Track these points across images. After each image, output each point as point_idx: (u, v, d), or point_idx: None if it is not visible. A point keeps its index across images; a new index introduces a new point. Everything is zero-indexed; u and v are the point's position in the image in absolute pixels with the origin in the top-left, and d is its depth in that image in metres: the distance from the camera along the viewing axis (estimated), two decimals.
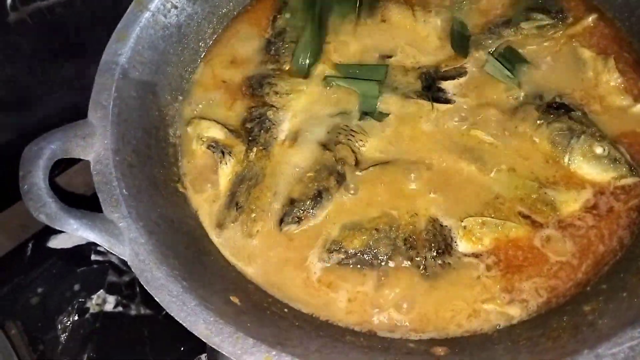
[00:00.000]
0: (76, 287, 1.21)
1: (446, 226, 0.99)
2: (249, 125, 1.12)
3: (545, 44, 1.15)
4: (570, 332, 0.83)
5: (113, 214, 0.91)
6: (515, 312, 0.94)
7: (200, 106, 1.17)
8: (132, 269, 0.86)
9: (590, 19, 1.17)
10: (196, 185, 1.08)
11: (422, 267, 0.96)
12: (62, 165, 1.26)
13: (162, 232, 0.94)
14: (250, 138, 1.11)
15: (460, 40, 1.16)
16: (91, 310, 1.19)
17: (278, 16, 1.26)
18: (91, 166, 0.96)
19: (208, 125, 1.12)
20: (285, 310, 0.95)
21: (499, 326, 0.92)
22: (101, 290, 1.20)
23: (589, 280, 0.93)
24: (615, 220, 0.98)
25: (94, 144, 0.97)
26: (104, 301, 1.20)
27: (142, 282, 0.85)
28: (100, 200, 0.93)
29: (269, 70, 1.20)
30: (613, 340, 0.76)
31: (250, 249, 1.01)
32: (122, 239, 0.88)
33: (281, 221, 1.01)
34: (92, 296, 1.20)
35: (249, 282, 0.98)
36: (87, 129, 0.99)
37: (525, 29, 1.15)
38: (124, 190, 0.94)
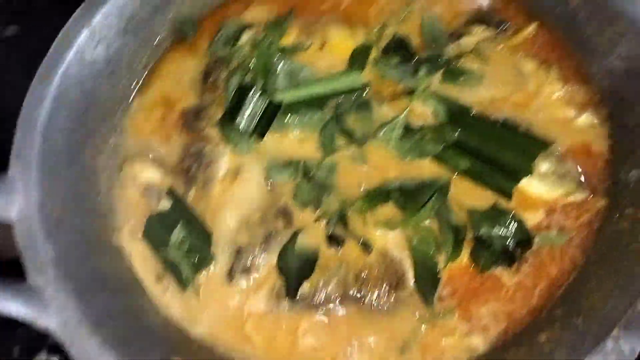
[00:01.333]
0: (15, 350, 1.12)
1: (397, 257, 0.95)
2: (186, 163, 1.07)
3: (488, 57, 1.11)
4: None
5: (38, 280, 0.84)
6: (477, 342, 0.91)
7: (134, 146, 1.11)
8: (61, 341, 0.80)
9: (531, 28, 1.14)
10: (133, 236, 1.01)
11: (374, 304, 0.92)
12: None
13: (95, 294, 0.88)
14: (188, 177, 1.05)
15: None
16: None
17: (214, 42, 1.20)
18: (14, 227, 0.89)
19: (142, 167, 1.06)
20: None
21: None
22: (43, 352, 1.12)
23: (544, 306, 0.91)
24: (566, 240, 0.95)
25: (15, 202, 0.90)
26: None
27: (71, 356, 0.79)
28: (25, 265, 0.86)
29: (207, 100, 1.14)
30: None
31: (193, 303, 0.96)
32: (47, 308, 0.82)
33: (230, 274, 0.96)
34: (34, 359, 1.12)
35: (192, 340, 0.93)
36: (8, 185, 0.91)
37: (466, 43, 1.12)
38: (51, 251, 0.88)
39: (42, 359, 1.11)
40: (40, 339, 1.12)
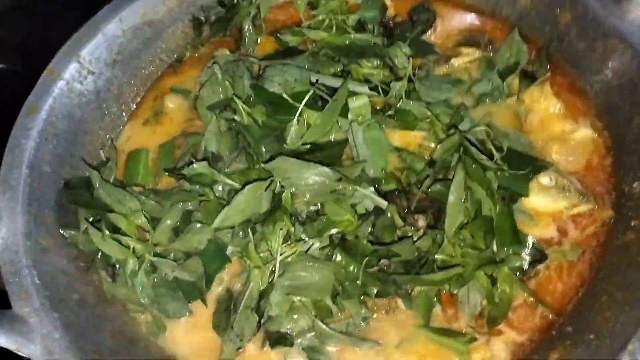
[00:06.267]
0: None
1: None
2: None
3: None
4: None
5: (23, 308, 0.81)
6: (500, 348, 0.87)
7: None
8: None
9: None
10: None
11: None
12: None
13: (82, 322, 0.84)
14: None
15: None
16: None
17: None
18: None
19: None
20: None
21: None
22: None
23: (552, 323, 0.87)
24: None
25: (0, 230, 0.88)
26: None
27: None
28: (9, 293, 0.83)
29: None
30: None
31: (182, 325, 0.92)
32: (32, 336, 0.78)
33: None
34: None
35: None
36: None
37: (456, 65, 1.11)
38: (36, 279, 0.85)
39: None
40: None
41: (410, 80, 1.06)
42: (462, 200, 0.85)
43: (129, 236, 0.90)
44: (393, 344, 0.86)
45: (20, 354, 0.77)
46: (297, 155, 0.94)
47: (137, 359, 0.86)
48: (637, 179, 0.93)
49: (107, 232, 0.88)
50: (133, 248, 0.89)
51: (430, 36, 1.20)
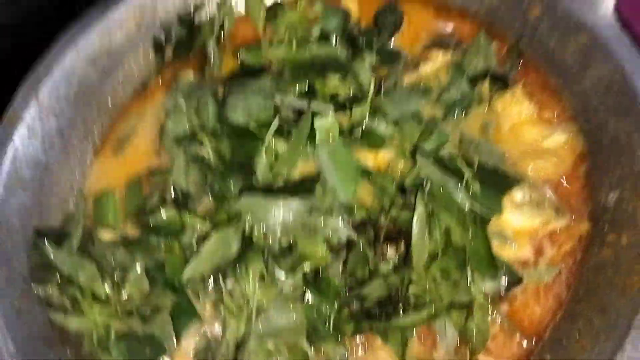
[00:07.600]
0: None
1: None
2: None
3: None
4: None
5: None
6: None
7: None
8: None
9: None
10: None
11: None
12: None
13: None
14: None
15: None
16: None
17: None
18: None
19: None
20: None
21: None
22: None
23: (531, 350, 0.86)
24: None
25: None
26: None
27: None
28: None
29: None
30: None
31: None
32: None
33: None
34: None
35: None
36: None
37: (426, 72, 1.07)
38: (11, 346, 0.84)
39: None
40: None
41: (378, 93, 1.02)
42: (427, 233, 0.83)
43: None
44: None
45: None
46: (269, 189, 0.92)
47: None
48: (613, 189, 0.90)
49: (69, 308, 0.87)
50: (95, 321, 0.88)
51: (397, 39, 1.15)
